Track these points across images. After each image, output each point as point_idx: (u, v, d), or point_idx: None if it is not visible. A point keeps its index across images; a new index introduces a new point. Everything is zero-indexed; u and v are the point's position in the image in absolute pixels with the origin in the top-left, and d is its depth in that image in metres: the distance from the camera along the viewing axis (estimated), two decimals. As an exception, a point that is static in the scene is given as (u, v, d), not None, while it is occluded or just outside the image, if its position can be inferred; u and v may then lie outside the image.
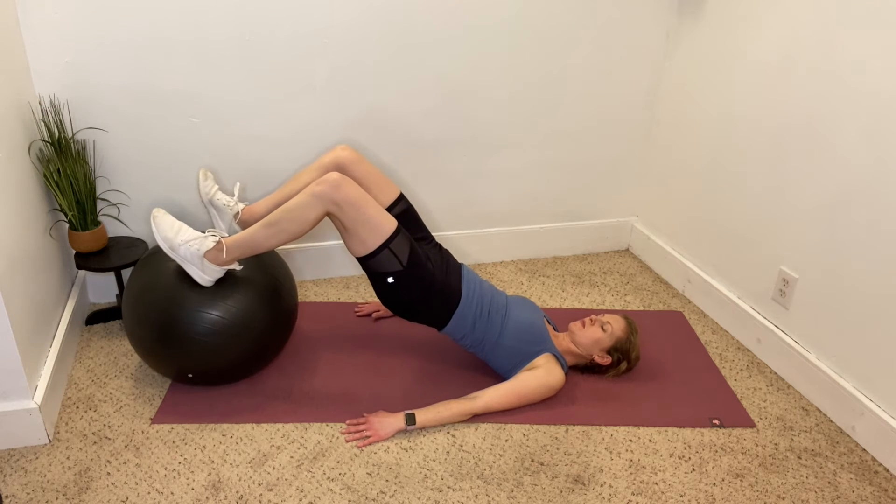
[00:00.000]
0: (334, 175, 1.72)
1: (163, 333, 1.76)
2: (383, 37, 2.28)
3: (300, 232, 1.75)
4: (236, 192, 2.09)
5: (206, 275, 1.77)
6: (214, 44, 2.13)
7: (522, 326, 1.94)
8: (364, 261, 1.80)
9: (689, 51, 2.48)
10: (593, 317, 2.04)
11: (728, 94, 2.30)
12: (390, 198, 2.02)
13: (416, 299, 1.86)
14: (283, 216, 1.73)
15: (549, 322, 2.11)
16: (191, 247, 1.72)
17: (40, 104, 2.04)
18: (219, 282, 1.81)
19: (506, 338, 1.93)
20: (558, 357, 1.95)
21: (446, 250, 2.04)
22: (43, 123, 2.05)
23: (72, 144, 2.04)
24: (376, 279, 1.83)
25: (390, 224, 1.79)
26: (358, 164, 2.01)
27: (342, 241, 2.52)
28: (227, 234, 1.82)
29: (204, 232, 1.78)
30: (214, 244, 1.74)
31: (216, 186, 2.10)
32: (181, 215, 2.35)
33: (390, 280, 1.81)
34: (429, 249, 1.95)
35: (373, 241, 1.76)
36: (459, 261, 2.77)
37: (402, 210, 2.01)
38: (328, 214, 1.75)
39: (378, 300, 2.44)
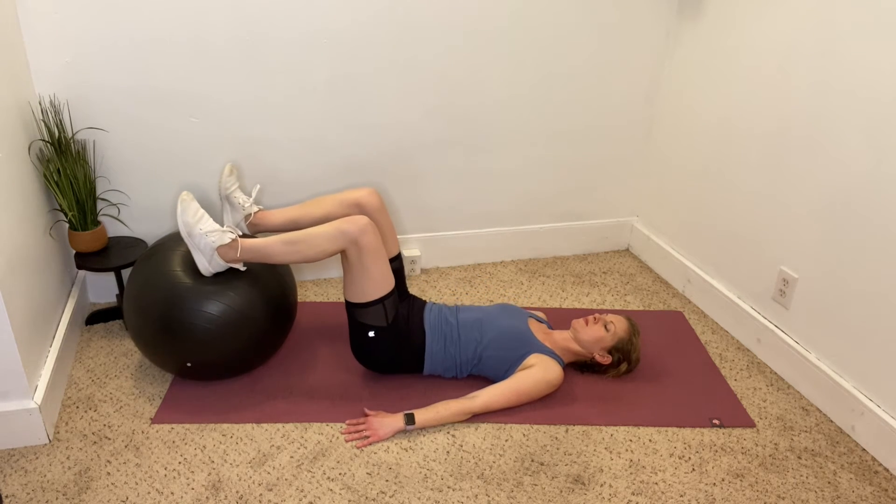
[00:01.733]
0: (365, 220, 1.79)
1: (164, 323, 1.77)
2: (384, 37, 2.28)
3: (314, 259, 1.81)
4: (254, 194, 2.10)
5: (210, 266, 1.80)
6: (214, 44, 2.13)
7: (502, 334, 1.96)
8: (355, 307, 1.88)
9: (689, 51, 2.48)
10: (597, 315, 2.04)
11: (728, 94, 2.30)
12: (392, 253, 2.10)
13: (390, 356, 1.95)
14: (304, 239, 1.78)
15: (540, 321, 2.11)
16: (208, 237, 1.76)
17: (40, 104, 2.04)
18: (218, 274, 1.83)
19: (487, 349, 1.95)
20: (549, 354, 1.95)
21: (412, 297, 2.09)
22: (43, 123, 2.05)
23: (72, 144, 2.04)
24: (358, 330, 1.90)
25: (391, 282, 1.88)
26: (380, 213, 2.08)
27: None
28: (239, 231, 1.85)
29: (222, 227, 1.80)
30: (230, 241, 1.78)
31: (237, 184, 2.12)
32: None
33: (371, 334, 1.89)
34: (401, 305, 1.99)
35: (371, 294, 1.85)
36: (459, 261, 2.77)
37: (396, 268, 2.08)
38: (343, 251, 1.80)
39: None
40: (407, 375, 2.04)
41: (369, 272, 1.82)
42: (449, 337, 1.98)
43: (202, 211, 1.80)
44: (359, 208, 2.06)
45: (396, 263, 2.08)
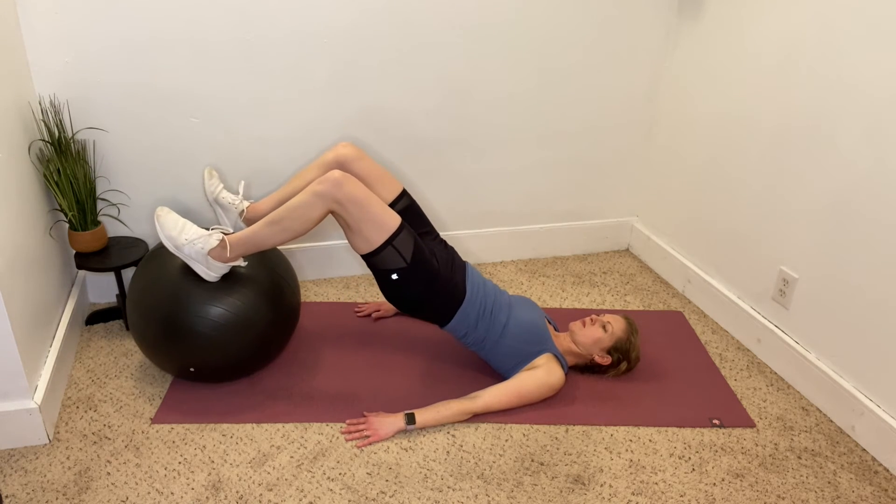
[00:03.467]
0: (336, 173, 1.72)
1: (167, 328, 1.76)
2: (383, 37, 2.28)
3: (303, 230, 1.75)
4: (241, 190, 2.09)
5: (211, 271, 1.78)
6: (214, 44, 2.13)
7: (524, 326, 1.94)
8: (368, 258, 1.80)
9: (689, 51, 2.48)
10: (594, 316, 2.03)
11: (728, 93, 2.30)
12: (393, 194, 2.02)
13: (421, 296, 1.86)
14: (285, 214, 1.73)
15: (549, 322, 2.11)
16: (195, 245, 1.73)
17: (40, 104, 2.04)
18: (223, 278, 1.82)
19: (507, 337, 1.93)
20: (559, 357, 1.95)
21: (451, 247, 2.04)
22: (43, 123, 2.05)
23: (72, 144, 2.04)
24: (381, 276, 1.83)
25: (394, 221, 1.78)
26: (360, 160, 2.01)
27: (344, 241, 2.54)
28: (231, 232, 1.83)
29: (208, 229, 1.78)
30: (218, 242, 1.75)
31: (221, 185, 2.11)
32: (184, 214, 2.35)
33: (394, 277, 1.81)
34: (433, 245, 1.95)
35: (376, 239, 1.76)
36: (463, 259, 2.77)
37: (406, 206, 2.02)
38: (331, 212, 1.75)
39: (380, 299, 2.45)
40: (407, 374, 2.04)
41: (363, 220, 1.74)
42: (484, 307, 1.93)
43: (182, 220, 1.76)
44: (338, 164, 2.00)
45: (403, 202, 2.01)
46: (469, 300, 1.91)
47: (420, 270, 1.82)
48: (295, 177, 2.08)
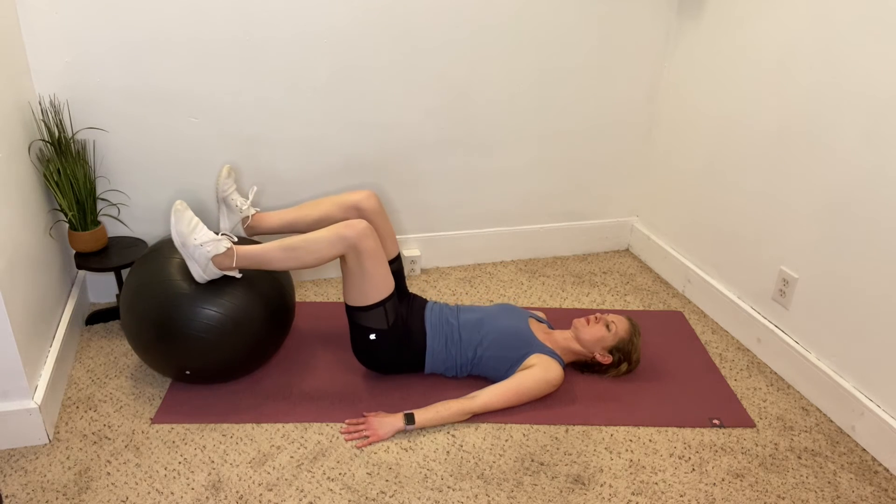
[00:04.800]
0: (364, 224, 1.78)
1: (160, 330, 1.76)
2: (384, 37, 2.28)
3: (313, 264, 1.80)
4: (251, 197, 2.09)
5: (205, 274, 1.78)
6: (214, 44, 2.13)
7: (502, 334, 1.96)
8: (355, 311, 1.87)
9: (689, 51, 2.48)
10: (598, 315, 2.04)
11: (728, 94, 2.30)
12: (392, 254, 2.09)
13: (391, 357, 1.95)
14: (302, 245, 1.77)
15: (540, 321, 2.11)
16: (202, 248, 1.74)
17: (40, 104, 2.04)
18: (216, 279, 1.82)
19: (489, 349, 1.95)
20: (550, 354, 1.95)
21: (412, 295, 2.09)
22: (43, 123, 2.05)
23: (72, 144, 2.04)
24: (359, 332, 1.90)
25: (391, 286, 1.88)
26: (379, 216, 2.07)
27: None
28: (234, 237, 1.83)
29: (218, 234, 1.78)
30: (225, 250, 1.75)
31: (234, 186, 2.11)
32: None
33: (372, 336, 1.89)
34: (401, 306, 1.99)
35: (372, 297, 1.84)
36: (459, 261, 2.77)
37: (396, 269, 2.07)
38: (342, 257, 1.80)
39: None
40: (407, 375, 2.04)
41: (369, 276, 1.81)
42: (450, 337, 1.97)
43: (196, 219, 1.77)
44: (357, 211, 2.05)
45: (396, 265, 2.08)
46: (431, 341, 1.96)
47: (395, 335, 1.91)
48: (308, 204, 2.10)
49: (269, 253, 1.77)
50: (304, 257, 1.77)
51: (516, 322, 2.00)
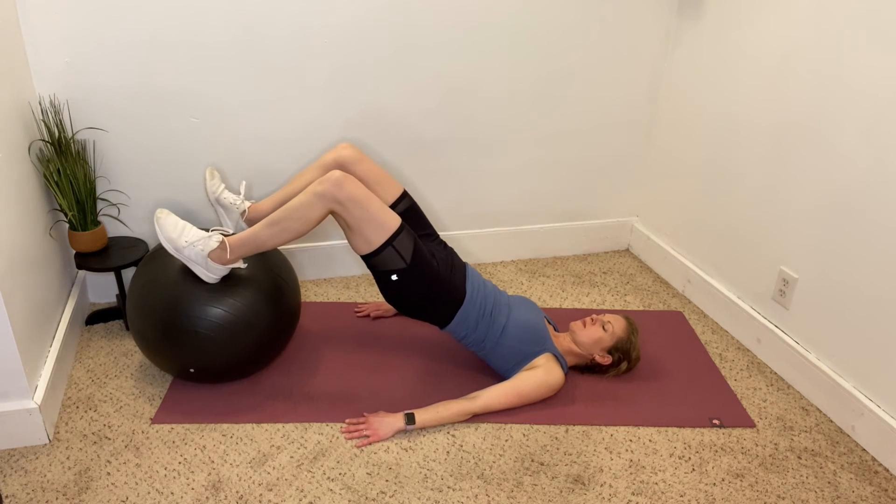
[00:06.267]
0: (336, 173, 1.72)
1: (166, 328, 1.76)
2: (383, 36, 2.28)
3: (303, 230, 1.75)
4: (242, 191, 2.09)
5: (211, 273, 1.78)
6: (214, 44, 2.13)
7: (524, 327, 1.94)
8: (368, 258, 1.80)
9: (689, 51, 2.48)
10: (594, 316, 2.03)
11: (728, 94, 2.30)
12: (393, 195, 2.02)
13: (420, 297, 1.86)
14: (285, 215, 1.73)
15: (549, 322, 2.11)
16: (195, 247, 1.73)
17: (40, 104, 2.04)
18: (224, 279, 1.82)
19: (507, 338, 1.93)
20: (558, 357, 1.95)
21: (451, 248, 2.04)
22: (43, 123, 2.05)
23: (72, 144, 2.04)
24: (380, 277, 1.82)
25: (394, 221, 1.78)
26: (360, 162, 2.01)
27: (344, 241, 2.54)
28: (232, 232, 1.83)
29: (209, 230, 1.78)
30: (218, 244, 1.74)
31: (223, 185, 2.11)
32: (184, 215, 2.35)
33: (394, 277, 1.80)
34: (433, 246, 1.95)
35: (376, 239, 1.76)
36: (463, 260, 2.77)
37: (406, 207, 2.02)
38: (332, 213, 1.75)
39: (380, 300, 2.46)
40: (407, 374, 2.04)
41: (363, 220, 1.74)
42: (483, 308, 1.93)
43: (182, 222, 1.76)
44: (338, 166, 2.00)
45: (403, 203, 2.01)
46: (469, 302, 1.91)
47: (420, 271, 1.81)
48: (295, 178, 2.08)
49: (258, 234, 1.74)
50: (293, 226, 1.73)
51: (536, 318, 1.99)
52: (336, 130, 2.38)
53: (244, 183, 2.11)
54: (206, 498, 1.60)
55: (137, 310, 1.82)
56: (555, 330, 2.11)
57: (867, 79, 1.78)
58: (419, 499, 1.63)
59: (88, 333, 2.21)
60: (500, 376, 2.01)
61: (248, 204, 2.09)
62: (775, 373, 2.16)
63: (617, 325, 2.00)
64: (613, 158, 2.77)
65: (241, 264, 1.81)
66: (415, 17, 2.28)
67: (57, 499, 1.58)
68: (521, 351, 1.93)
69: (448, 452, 1.77)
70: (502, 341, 1.93)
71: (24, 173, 1.86)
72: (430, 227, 2.04)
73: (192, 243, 1.73)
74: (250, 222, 2.09)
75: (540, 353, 1.93)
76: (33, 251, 1.86)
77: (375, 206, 1.75)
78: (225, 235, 1.79)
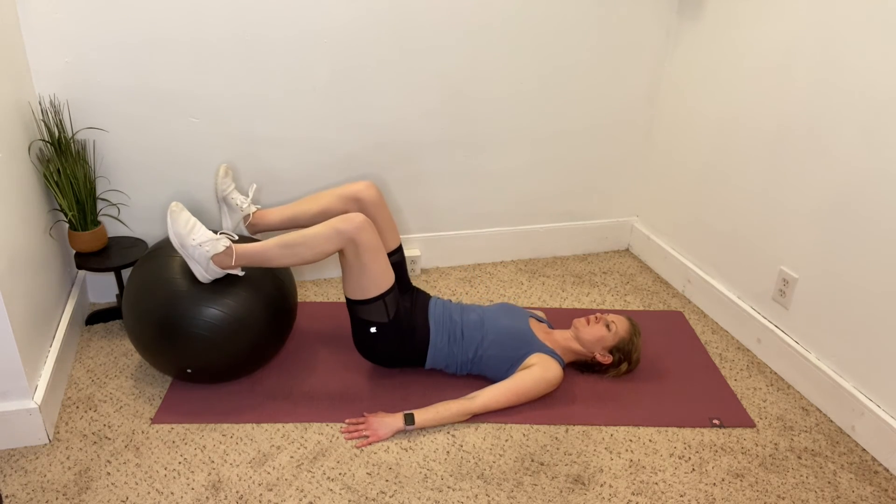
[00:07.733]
0: (361, 218, 1.77)
1: (162, 329, 1.76)
2: (384, 37, 2.28)
3: (313, 260, 1.79)
4: (251, 194, 2.08)
5: (207, 274, 1.78)
6: (214, 44, 2.13)
7: (502, 334, 1.96)
8: (355, 304, 1.87)
9: (689, 51, 2.48)
10: (598, 315, 2.04)
11: (728, 94, 2.30)
12: (393, 245, 2.09)
13: (392, 351, 1.94)
14: (301, 241, 1.76)
15: (540, 320, 2.11)
16: (201, 248, 1.73)
17: (40, 104, 2.04)
18: (217, 279, 1.82)
19: (490, 349, 1.95)
20: (550, 354, 1.95)
21: (415, 289, 2.09)
22: (43, 123, 2.05)
23: (72, 144, 2.04)
24: (359, 326, 1.90)
25: (390, 279, 1.87)
26: (378, 207, 2.06)
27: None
28: (234, 235, 1.83)
29: (216, 233, 1.78)
30: (224, 249, 1.75)
31: (233, 185, 2.11)
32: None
33: (373, 330, 1.88)
34: (402, 299, 1.98)
35: (372, 290, 1.84)
36: (459, 261, 2.77)
37: (398, 261, 2.07)
38: (340, 251, 1.79)
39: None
40: (407, 374, 2.04)
41: (368, 269, 1.81)
42: (453, 334, 1.97)
43: (193, 220, 1.77)
44: (357, 202, 2.04)
45: (397, 256, 2.07)
46: (434, 337, 1.96)
47: (397, 327, 1.89)
48: (309, 198, 2.09)
49: (268, 251, 1.77)
50: (303, 253, 1.77)
51: (517, 322, 2.00)
52: (336, 131, 2.38)
53: (254, 186, 2.11)
54: (206, 498, 1.60)
55: (133, 311, 1.81)
56: (549, 327, 2.11)
57: (867, 79, 1.78)
58: (419, 499, 1.63)
59: (88, 333, 2.21)
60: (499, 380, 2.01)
61: (254, 208, 2.09)
62: (775, 373, 2.16)
63: (620, 326, 2.01)
64: (613, 159, 2.77)
65: (239, 271, 1.82)
66: (414, 17, 2.28)
67: (57, 499, 1.58)
68: (509, 357, 1.94)
69: (448, 452, 1.77)
70: (486, 353, 1.95)
71: (24, 173, 1.86)
72: (407, 278, 2.10)
73: (200, 243, 1.73)
74: (252, 228, 2.09)
75: (527, 355, 1.93)
76: (33, 251, 1.86)
77: (382, 260, 1.83)
78: (232, 241, 1.79)
